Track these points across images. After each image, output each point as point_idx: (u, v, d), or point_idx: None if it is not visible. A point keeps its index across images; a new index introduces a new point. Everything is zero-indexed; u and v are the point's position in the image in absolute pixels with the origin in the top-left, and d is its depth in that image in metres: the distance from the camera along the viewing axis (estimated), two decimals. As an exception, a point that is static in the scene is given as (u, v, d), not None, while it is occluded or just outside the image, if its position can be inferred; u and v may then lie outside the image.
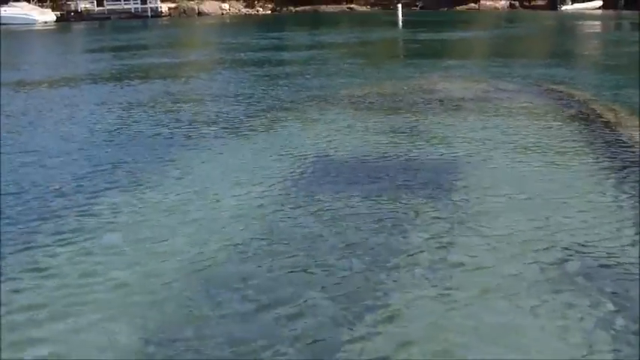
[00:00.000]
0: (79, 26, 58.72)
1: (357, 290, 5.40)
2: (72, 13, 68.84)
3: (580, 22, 45.41)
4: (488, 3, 66.68)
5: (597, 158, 9.28)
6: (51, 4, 69.20)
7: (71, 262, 6.11)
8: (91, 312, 5.17)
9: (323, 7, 70.14)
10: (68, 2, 69.98)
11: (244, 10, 72.90)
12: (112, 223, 7.11)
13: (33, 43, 43.16)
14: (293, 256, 6.08)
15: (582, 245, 6.17)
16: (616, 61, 22.46)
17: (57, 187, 8.52)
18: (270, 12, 72.49)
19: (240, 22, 58.16)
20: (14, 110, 14.65)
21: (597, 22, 45.92)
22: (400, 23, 46.56)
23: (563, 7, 61.62)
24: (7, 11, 64.66)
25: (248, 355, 4.56)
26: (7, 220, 7.25)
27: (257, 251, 6.21)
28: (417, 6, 67.85)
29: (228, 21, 62.59)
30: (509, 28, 41.40)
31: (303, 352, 4.58)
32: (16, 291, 5.54)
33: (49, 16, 66.23)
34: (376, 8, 68.56)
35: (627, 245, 6.17)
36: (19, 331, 4.92)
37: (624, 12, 54.30)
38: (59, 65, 26.72)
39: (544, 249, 6.09)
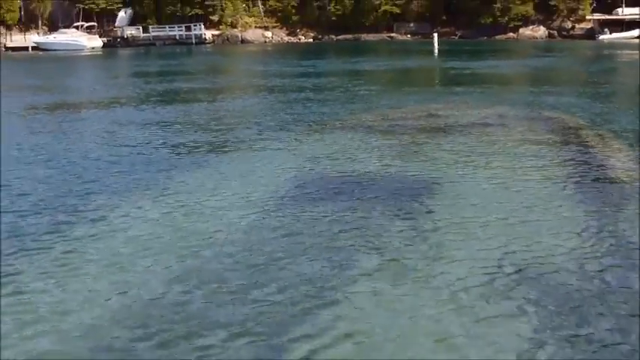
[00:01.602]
0: (124, 52, 60.91)
1: (314, 288, 6.18)
2: (118, 39, 71.37)
3: (617, 52, 45.65)
4: (526, 32, 67.07)
5: (579, 182, 9.81)
6: (99, 30, 71.83)
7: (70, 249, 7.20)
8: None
9: (364, 36, 71.37)
10: (115, 29, 72.59)
11: (286, 38, 74.55)
12: (117, 224, 8.13)
13: (80, 68, 45.08)
14: (266, 257, 6.93)
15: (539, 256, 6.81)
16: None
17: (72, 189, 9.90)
18: (312, 40, 74.02)
19: (281, 50, 59.63)
20: (40, 129, 15.96)
21: (634, 52, 46.01)
22: (436, 52, 47.35)
23: (601, 37, 61.71)
24: (57, 38, 67.48)
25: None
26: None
27: (233, 251, 7.14)
28: (455, 35, 68.61)
29: (270, 49, 64.15)
30: (542, 58, 41.87)
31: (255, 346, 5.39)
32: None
33: (96, 42, 68.88)
34: (417, 37, 69.43)
35: (588, 259, 6.72)
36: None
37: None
38: (100, 88, 28.25)
39: (505, 262, 6.66)
